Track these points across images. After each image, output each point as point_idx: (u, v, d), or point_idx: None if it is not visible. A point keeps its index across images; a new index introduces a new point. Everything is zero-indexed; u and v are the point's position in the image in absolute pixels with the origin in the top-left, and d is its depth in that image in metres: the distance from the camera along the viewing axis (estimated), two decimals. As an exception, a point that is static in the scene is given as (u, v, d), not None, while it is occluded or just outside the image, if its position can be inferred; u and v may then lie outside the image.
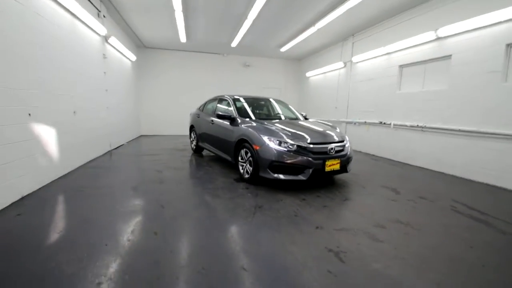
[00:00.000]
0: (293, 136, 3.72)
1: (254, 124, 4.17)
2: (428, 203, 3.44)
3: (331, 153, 3.75)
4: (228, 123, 4.70)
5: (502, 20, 4.10)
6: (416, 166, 5.69)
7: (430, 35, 5.25)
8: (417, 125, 5.68)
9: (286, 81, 11.77)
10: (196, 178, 4.34)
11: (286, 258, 2.05)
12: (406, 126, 5.99)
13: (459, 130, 4.81)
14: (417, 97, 5.77)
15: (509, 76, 4.13)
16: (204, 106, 6.32)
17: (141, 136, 10.06)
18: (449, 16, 4.91)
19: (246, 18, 6.44)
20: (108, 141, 6.39)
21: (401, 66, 6.21)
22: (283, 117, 5.14)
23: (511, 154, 4.08)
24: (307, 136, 3.76)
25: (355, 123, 7.79)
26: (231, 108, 4.92)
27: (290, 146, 3.58)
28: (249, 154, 3.95)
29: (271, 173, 3.61)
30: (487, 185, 4.33)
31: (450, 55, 5.00)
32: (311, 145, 3.64)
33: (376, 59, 6.96)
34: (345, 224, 2.71)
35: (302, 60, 11.46)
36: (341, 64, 8.44)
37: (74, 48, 4.63)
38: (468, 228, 2.72)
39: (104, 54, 6.07)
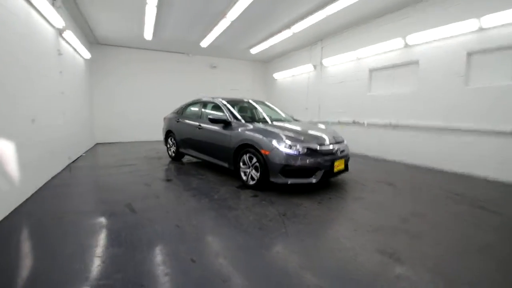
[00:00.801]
0: (301, 138, 3.66)
1: (252, 127, 4.00)
2: (426, 193, 3.76)
3: (337, 154, 3.81)
4: (221, 128, 4.41)
5: (464, 32, 4.75)
6: (390, 160, 6.23)
7: (399, 42, 5.81)
8: (390, 123, 6.23)
9: (253, 82, 11.74)
10: (193, 189, 3.94)
11: (351, 267, 1.96)
12: (379, 124, 6.51)
13: (429, 127, 5.42)
14: (387, 98, 6.33)
15: (470, 80, 4.81)
16: (183, 110, 5.85)
17: (97, 144, 8.84)
18: (416, 26, 5.49)
19: (224, 17, 6.17)
20: (67, 152, 5.41)
21: (371, 70, 6.74)
22: (273, 119, 5.01)
23: (474, 146, 4.75)
24: (314, 138, 3.75)
25: (329, 123, 8.17)
26: (224, 112, 4.62)
27: (301, 149, 3.51)
28: (254, 160, 3.76)
29: (283, 177, 3.49)
30: (455, 173, 4.97)
31: (418, 61, 5.61)
32: (321, 147, 3.64)
33: (347, 63, 7.41)
34: (375, 224, 2.75)
35: (269, 62, 11.59)
36: (311, 67, 8.77)
37: (31, 42, 3.77)
38: (472, 214, 3.03)
39: (59, 50, 5.11)
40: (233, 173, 4.69)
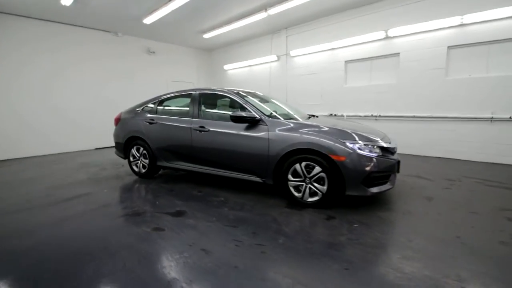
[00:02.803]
0: (371, 137, 2.98)
1: (296, 125, 3.05)
2: (471, 184, 3.79)
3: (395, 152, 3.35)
4: (243, 129, 3.24)
5: (444, 26, 5.13)
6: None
7: (380, 34, 5.90)
8: (371, 115, 6.36)
9: (198, 73, 10.16)
10: (237, 222, 2.63)
11: None
12: (360, 116, 6.58)
13: (413, 116, 5.76)
14: (366, 90, 6.43)
15: (449, 72, 5.29)
16: (158, 106, 4.16)
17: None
18: (398, 18, 5.66)
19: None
20: None
21: (348, 62, 6.70)
22: (298, 115, 3.80)
23: (455, 133, 5.29)
24: (378, 135, 3.14)
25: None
26: (246, 107, 3.39)
27: (378, 150, 2.85)
28: (316, 170, 2.84)
29: (365, 188, 2.75)
30: (439, 158, 5.45)
31: (399, 53, 5.83)
32: (389, 145, 3.07)
33: (319, 54, 7.16)
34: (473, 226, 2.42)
35: (217, 51, 10.23)
36: (274, 57, 8.15)
37: None
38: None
39: None
40: (265, 188, 3.61)
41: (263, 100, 4.03)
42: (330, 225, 2.56)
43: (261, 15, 6.30)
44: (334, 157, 2.74)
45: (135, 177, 4.36)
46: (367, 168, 2.71)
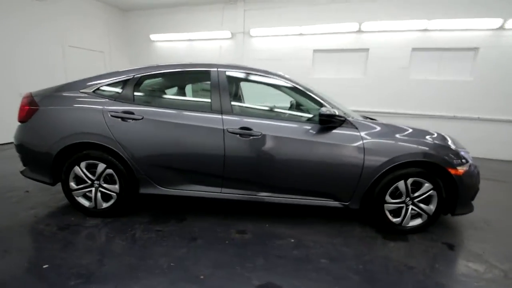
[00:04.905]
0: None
1: (381, 128, 2.30)
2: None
3: None
4: (315, 134, 2.18)
5: (412, 29, 5.50)
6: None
7: (354, 26, 5.77)
8: (339, 109, 6.31)
9: (110, 41, 7.28)
10: (369, 281, 1.67)
11: None
12: (327, 109, 6.40)
13: (377, 112, 6.06)
14: (334, 82, 6.28)
15: (411, 72, 5.78)
16: (134, 91, 2.30)
17: None
18: (371, 14, 5.66)
19: None
20: None
21: (316, 51, 6.31)
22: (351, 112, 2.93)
23: (411, 127, 5.93)
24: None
25: None
26: (320, 100, 2.28)
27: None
28: (425, 188, 2.19)
29: (471, 204, 2.35)
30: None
31: (368, 49, 5.91)
32: None
33: (285, 38, 6.41)
34: None
35: (134, 12, 7.56)
36: (226, 33, 6.76)
37: None
38: None
39: None
40: (321, 211, 2.63)
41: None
42: (452, 259, 2.01)
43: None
44: (452, 171, 2.17)
45: (78, 219, 2.35)
46: (478, 182, 2.33)
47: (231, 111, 2.24)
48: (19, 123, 2.36)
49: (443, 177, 2.20)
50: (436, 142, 2.25)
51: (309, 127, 2.22)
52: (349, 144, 2.15)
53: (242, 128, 2.16)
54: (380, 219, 2.29)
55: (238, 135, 2.16)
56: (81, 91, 2.32)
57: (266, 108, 2.62)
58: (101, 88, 2.33)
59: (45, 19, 5.56)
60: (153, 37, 7.46)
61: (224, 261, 1.84)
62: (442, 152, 2.18)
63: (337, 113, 2.11)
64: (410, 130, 2.30)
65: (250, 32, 6.56)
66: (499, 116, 5.29)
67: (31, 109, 2.27)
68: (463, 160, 2.21)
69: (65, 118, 2.22)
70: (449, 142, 2.30)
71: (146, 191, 2.31)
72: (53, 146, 2.21)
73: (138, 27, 7.62)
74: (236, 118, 2.21)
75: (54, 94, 2.34)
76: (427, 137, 2.28)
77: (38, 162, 2.30)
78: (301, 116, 2.68)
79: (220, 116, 2.20)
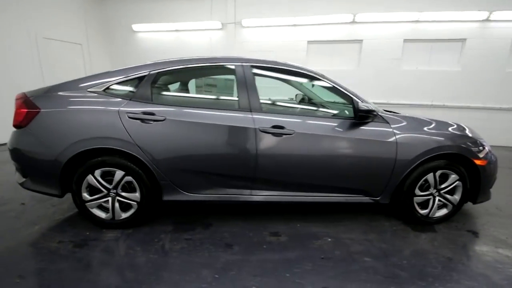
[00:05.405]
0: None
1: (408, 121, 2.30)
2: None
3: None
4: (346, 129, 2.14)
5: (404, 20, 5.60)
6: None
7: (348, 17, 5.77)
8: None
9: (88, 32, 6.67)
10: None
11: None
12: (322, 101, 6.42)
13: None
14: (326, 74, 6.23)
15: (403, 63, 5.92)
16: (152, 88, 2.07)
17: None
18: (364, 5, 5.67)
19: None
20: None
21: (310, 42, 6.24)
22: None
23: (403, 117, 6.13)
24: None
25: None
26: (347, 93, 2.27)
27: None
28: (451, 179, 2.24)
29: (490, 192, 2.45)
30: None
31: (362, 40, 5.95)
32: None
33: (279, 29, 6.26)
34: None
35: (120, 2, 6.96)
36: (216, 24, 6.47)
37: None
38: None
39: None
40: (341, 206, 2.61)
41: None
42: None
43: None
44: (477, 162, 2.23)
45: (94, 233, 2.12)
46: (497, 171, 2.42)
47: (261, 109, 2.11)
48: (14, 129, 2.06)
49: (467, 168, 2.26)
50: (460, 133, 2.30)
51: (342, 123, 2.16)
52: (383, 139, 2.12)
53: (274, 126, 2.05)
54: (408, 212, 2.31)
55: (270, 134, 2.04)
56: (88, 90, 2.06)
57: (294, 105, 2.52)
58: (112, 86, 2.09)
59: (13, 8, 4.92)
60: (135, 27, 6.95)
61: (269, 268, 1.76)
62: (468, 143, 2.24)
63: (373, 108, 2.07)
64: (434, 123, 2.32)
65: (242, 23, 6.33)
66: (488, 104, 5.61)
67: (30, 112, 1.98)
68: (485, 150, 2.29)
69: (75, 122, 1.96)
70: (469, 133, 2.36)
71: (170, 198, 2.13)
72: (62, 154, 1.95)
73: (119, 17, 7.04)
74: (266, 117, 2.08)
75: (57, 95, 2.05)
76: (450, 129, 2.32)
77: (43, 172, 2.02)
78: (330, 112, 2.58)
79: (250, 115, 2.06)
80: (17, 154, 2.04)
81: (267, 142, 2.05)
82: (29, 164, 2.04)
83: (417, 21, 5.59)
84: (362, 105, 2.07)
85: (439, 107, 5.85)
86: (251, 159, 2.07)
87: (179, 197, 2.13)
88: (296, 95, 3.41)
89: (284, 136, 2.06)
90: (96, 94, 2.05)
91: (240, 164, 2.09)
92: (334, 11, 5.81)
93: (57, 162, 1.96)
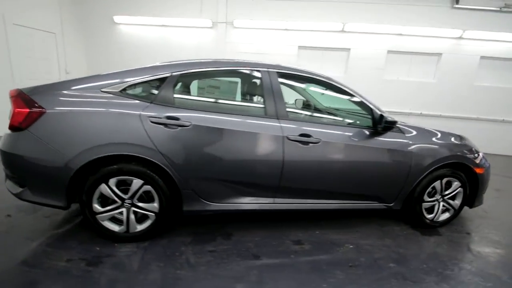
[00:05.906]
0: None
1: (417, 131, 2.45)
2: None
3: None
4: (365, 139, 2.22)
5: (388, 32, 5.96)
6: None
7: (338, 25, 5.96)
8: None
9: (63, 20, 6.05)
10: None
11: None
12: (311, 106, 6.57)
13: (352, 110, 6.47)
14: (316, 79, 6.46)
15: (386, 73, 6.29)
16: (174, 92, 1.93)
17: None
18: (354, 15, 5.91)
19: None
20: None
21: (301, 47, 6.35)
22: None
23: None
24: None
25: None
26: (367, 104, 2.36)
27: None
28: (454, 186, 2.44)
29: (483, 197, 2.69)
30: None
31: (349, 49, 6.20)
32: None
33: (271, 32, 6.26)
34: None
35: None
36: (207, 22, 6.29)
37: None
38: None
39: None
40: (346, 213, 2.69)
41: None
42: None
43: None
44: (477, 170, 2.45)
45: (106, 248, 1.92)
46: (489, 177, 2.67)
47: (287, 117, 2.09)
48: (9, 131, 1.79)
49: (467, 175, 2.47)
50: (461, 143, 2.50)
51: (364, 132, 2.23)
52: (401, 149, 2.23)
53: (301, 135, 2.04)
54: (417, 217, 2.46)
55: (298, 142, 2.03)
56: (102, 90, 1.86)
57: (317, 113, 2.54)
58: (130, 87, 1.91)
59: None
60: (117, 19, 6.47)
61: (303, 279, 1.74)
62: (469, 153, 2.44)
63: (396, 120, 2.16)
64: (440, 134, 2.49)
65: (234, 23, 6.23)
66: (457, 114, 6.16)
67: (33, 112, 1.73)
68: (479, 157, 2.51)
69: (88, 125, 1.76)
70: (468, 143, 2.58)
71: (191, 208, 2.01)
72: (72, 161, 1.73)
73: (99, 6, 6.49)
74: (293, 125, 2.07)
75: (64, 94, 1.82)
76: (452, 138, 2.51)
77: (48, 182, 1.79)
78: (352, 121, 2.63)
79: (278, 123, 2.03)
80: (13, 160, 1.78)
81: (294, 150, 2.04)
82: (30, 172, 1.79)
83: (400, 35, 5.98)
84: (388, 117, 2.15)
85: (417, 115, 6.32)
86: (277, 167, 2.03)
87: (202, 207, 2.02)
88: (295, 100, 3.44)
89: (310, 144, 2.06)
90: (111, 95, 1.86)
91: (265, 172, 2.05)
92: (326, 19, 5.97)
93: (67, 169, 1.74)
